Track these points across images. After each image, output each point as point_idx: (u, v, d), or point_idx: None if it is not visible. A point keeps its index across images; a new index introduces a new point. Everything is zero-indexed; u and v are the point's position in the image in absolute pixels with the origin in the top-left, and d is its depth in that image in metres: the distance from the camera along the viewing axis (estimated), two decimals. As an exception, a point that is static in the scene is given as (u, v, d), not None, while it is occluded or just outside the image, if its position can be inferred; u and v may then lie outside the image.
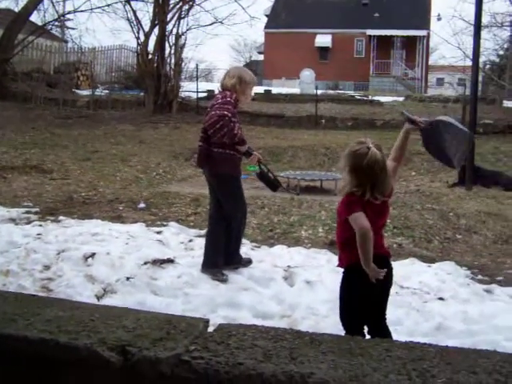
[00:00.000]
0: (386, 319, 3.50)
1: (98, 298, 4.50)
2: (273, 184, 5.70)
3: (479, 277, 5.53)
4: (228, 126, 4.93)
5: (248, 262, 5.42)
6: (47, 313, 2.22)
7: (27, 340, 2.01)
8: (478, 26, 10.59)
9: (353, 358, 1.85)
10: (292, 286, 4.99)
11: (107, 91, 22.94)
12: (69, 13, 22.91)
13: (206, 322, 2.13)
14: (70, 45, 27.10)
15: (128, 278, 4.82)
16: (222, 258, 5.23)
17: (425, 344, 2.05)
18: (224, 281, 5.03)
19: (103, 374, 1.94)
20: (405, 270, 5.27)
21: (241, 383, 1.77)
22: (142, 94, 21.43)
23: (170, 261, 5.34)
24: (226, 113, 4.95)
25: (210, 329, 2.08)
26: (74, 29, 25.80)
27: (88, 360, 1.94)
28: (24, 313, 2.20)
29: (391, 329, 3.70)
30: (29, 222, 6.77)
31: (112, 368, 1.91)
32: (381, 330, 3.40)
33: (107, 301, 4.37)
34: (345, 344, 1.99)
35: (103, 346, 1.93)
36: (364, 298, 3.36)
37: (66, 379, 1.99)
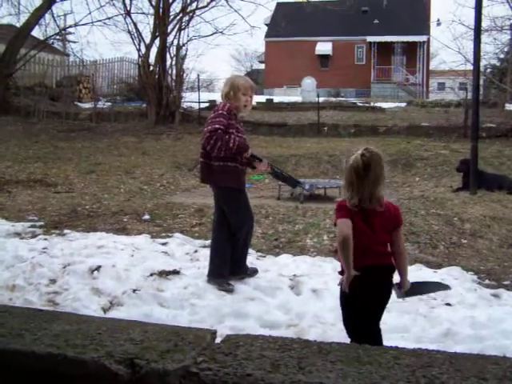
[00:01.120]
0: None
1: (105, 310, 4.49)
2: (290, 181, 5.72)
3: (486, 281, 5.51)
4: (222, 140, 4.92)
5: (254, 271, 5.41)
6: (54, 327, 2.21)
7: (35, 355, 2.00)
8: (478, 31, 10.59)
9: (361, 366, 1.84)
10: (298, 294, 4.97)
11: (109, 103, 23.03)
12: (70, 27, 23.10)
13: (214, 333, 2.13)
14: (71, 58, 27.29)
15: (134, 291, 4.82)
16: (227, 267, 5.22)
17: (433, 351, 2.04)
18: (230, 291, 5.02)
19: (112, 386, 1.93)
20: (411, 276, 5.23)
21: (250, 394, 1.77)
22: (144, 105, 21.49)
23: (176, 272, 5.34)
24: (217, 126, 4.93)
25: (218, 340, 2.07)
26: (75, 42, 25.96)
27: (96, 374, 1.94)
28: (31, 328, 2.20)
29: (398, 336, 3.70)
30: (34, 236, 6.78)
31: (120, 381, 1.90)
32: (375, 334, 3.39)
33: (114, 313, 4.36)
34: (353, 352, 1.99)
35: (111, 360, 1.93)
36: (360, 307, 3.37)
37: (75, 393, 1.98)
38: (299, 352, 1.96)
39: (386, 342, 3.26)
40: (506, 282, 5.50)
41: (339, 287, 3.40)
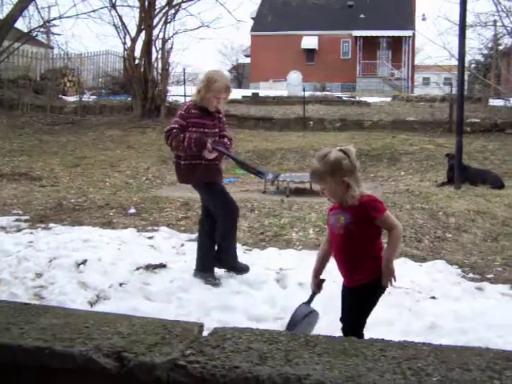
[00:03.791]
0: None
1: (92, 304, 4.50)
2: (254, 172, 5.64)
3: (470, 275, 5.57)
4: (176, 138, 4.93)
5: (243, 270, 5.32)
6: (41, 321, 2.21)
7: (22, 349, 2.00)
8: (462, 27, 10.66)
9: (348, 358, 1.86)
10: (284, 288, 5.00)
11: (94, 97, 22.89)
12: (54, 19, 22.78)
13: (201, 326, 2.14)
14: (56, 51, 27.04)
15: (121, 284, 4.84)
16: (213, 261, 5.23)
17: (419, 343, 2.06)
18: (217, 285, 5.04)
19: (99, 380, 1.94)
20: (396, 270, 5.29)
21: (237, 386, 1.78)
22: (129, 99, 21.39)
23: (163, 266, 5.36)
24: (172, 126, 5.00)
25: (205, 333, 2.08)
26: (59, 35, 25.70)
27: (84, 367, 1.94)
28: (18, 321, 2.19)
29: (384, 329, 3.73)
30: (19, 230, 6.75)
31: (108, 374, 1.91)
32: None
33: (100, 307, 4.36)
34: (339, 345, 2.00)
35: (99, 353, 1.93)
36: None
37: (63, 387, 1.99)
38: (286, 345, 1.98)
39: (372, 336, 3.29)
40: (489, 276, 5.56)
41: (368, 286, 3.31)
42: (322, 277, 3.54)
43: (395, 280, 3.29)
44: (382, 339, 2.12)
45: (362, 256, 3.28)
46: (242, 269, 5.30)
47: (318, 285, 3.55)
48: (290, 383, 1.74)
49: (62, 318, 2.25)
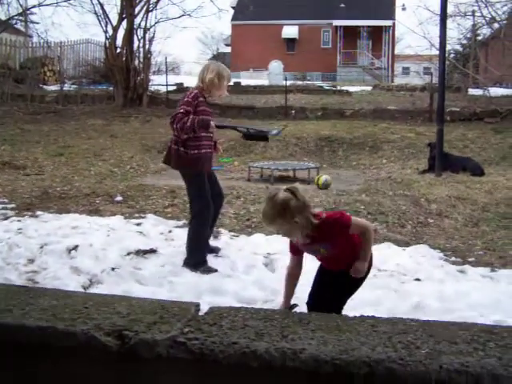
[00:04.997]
0: None
1: (85, 288, 4.53)
2: (261, 137, 5.64)
3: (452, 258, 5.70)
4: (180, 121, 4.96)
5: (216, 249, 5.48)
6: (41, 302, 2.24)
7: (25, 328, 2.04)
8: (444, 17, 10.78)
9: (341, 334, 1.93)
10: (273, 271, 5.08)
11: (75, 86, 22.69)
12: (33, 7, 22.50)
13: (197, 305, 2.19)
14: (35, 39, 26.72)
15: (113, 269, 4.88)
16: (205, 253, 5.27)
17: (407, 319, 2.14)
18: (214, 271, 5.10)
19: (101, 358, 1.99)
20: (381, 254, 5.40)
21: (236, 361, 1.84)
22: (111, 88, 21.25)
23: (153, 251, 5.42)
24: (177, 110, 5.04)
25: (201, 312, 2.14)
26: (37, 23, 25.34)
27: (86, 345, 1.99)
28: (18, 303, 2.22)
29: (371, 309, 3.83)
30: (6, 218, 6.75)
31: (110, 352, 1.96)
32: None
33: (94, 291, 4.40)
34: (332, 322, 2.07)
35: (100, 332, 1.97)
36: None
37: (66, 365, 2.03)
38: (281, 322, 2.03)
39: (360, 315, 3.39)
40: (470, 259, 5.69)
41: (345, 276, 3.37)
42: (292, 302, 3.57)
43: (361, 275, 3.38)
44: (373, 316, 2.19)
45: (347, 256, 3.36)
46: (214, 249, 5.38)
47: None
48: (286, 357, 1.80)
49: (60, 300, 2.29)
